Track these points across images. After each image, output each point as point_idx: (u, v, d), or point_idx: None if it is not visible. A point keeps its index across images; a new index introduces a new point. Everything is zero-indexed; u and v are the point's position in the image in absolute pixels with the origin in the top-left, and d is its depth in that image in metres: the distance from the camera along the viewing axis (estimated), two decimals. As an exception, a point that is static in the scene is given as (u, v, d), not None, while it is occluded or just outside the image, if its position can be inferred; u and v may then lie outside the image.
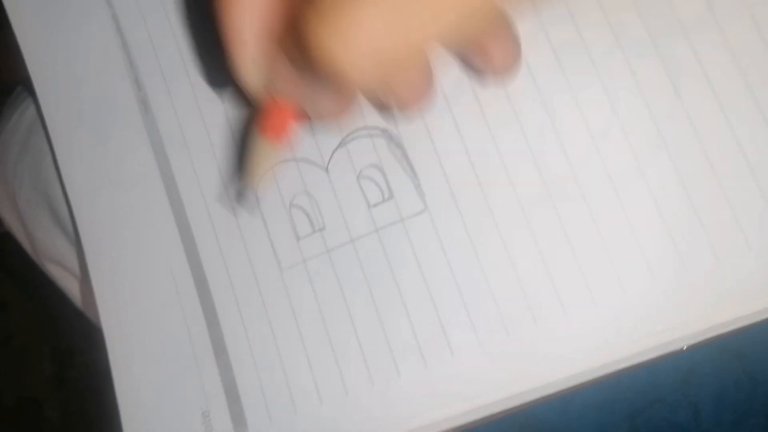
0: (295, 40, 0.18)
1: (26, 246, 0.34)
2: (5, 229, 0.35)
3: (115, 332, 0.25)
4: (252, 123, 0.22)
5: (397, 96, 0.21)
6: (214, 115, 0.25)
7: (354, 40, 0.15)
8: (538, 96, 0.23)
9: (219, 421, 0.23)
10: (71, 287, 0.32)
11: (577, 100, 0.22)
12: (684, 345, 0.22)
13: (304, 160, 0.24)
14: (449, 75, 0.23)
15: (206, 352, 0.24)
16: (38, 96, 0.26)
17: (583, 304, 0.22)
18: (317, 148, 0.24)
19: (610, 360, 0.22)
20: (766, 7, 0.22)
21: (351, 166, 0.24)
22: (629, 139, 0.22)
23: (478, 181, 0.23)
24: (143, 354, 0.24)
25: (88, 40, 0.26)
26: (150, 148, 0.25)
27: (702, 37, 0.22)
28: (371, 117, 0.24)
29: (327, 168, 0.24)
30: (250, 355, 0.24)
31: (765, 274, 0.21)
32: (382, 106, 0.23)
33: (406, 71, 0.20)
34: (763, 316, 0.22)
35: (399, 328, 0.23)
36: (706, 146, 0.22)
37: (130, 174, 0.25)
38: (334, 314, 0.23)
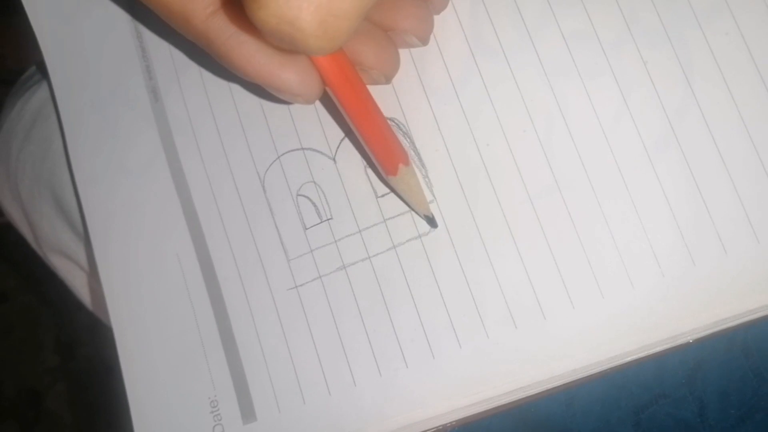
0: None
1: (28, 237, 0.34)
2: (7, 220, 0.35)
3: (123, 320, 0.24)
4: (380, 174, 0.23)
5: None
6: (222, 104, 0.25)
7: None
8: (547, 85, 0.23)
9: (227, 410, 0.23)
10: (74, 278, 0.32)
11: (587, 90, 0.22)
12: (691, 338, 0.22)
13: (311, 149, 0.24)
14: (457, 63, 0.23)
15: (214, 341, 0.24)
16: (52, 82, 0.26)
17: (591, 297, 0.22)
18: (324, 137, 0.24)
19: (617, 353, 0.22)
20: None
21: (359, 156, 0.24)
22: (639, 130, 0.22)
23: (487, 172, 0.23)
24: (151, 343, 0.24)
25: (103, 28, 0.26)
26: (158, 136, 0.25)
27: (715, 25, 0.22)
28: (380, 107, 0.24)
29: (334, 157, 0.24)
30: (259, 345, 0.24)
31: (775, 267, 0.21)
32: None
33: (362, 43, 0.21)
34: (772, 311, 0.22)
35: (407, 318, 0.23)
36: (716, 138, 0.22)
37: (138, 162, 0.25)
38: (341, 305, 0.23)
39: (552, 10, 0.23)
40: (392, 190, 0.23)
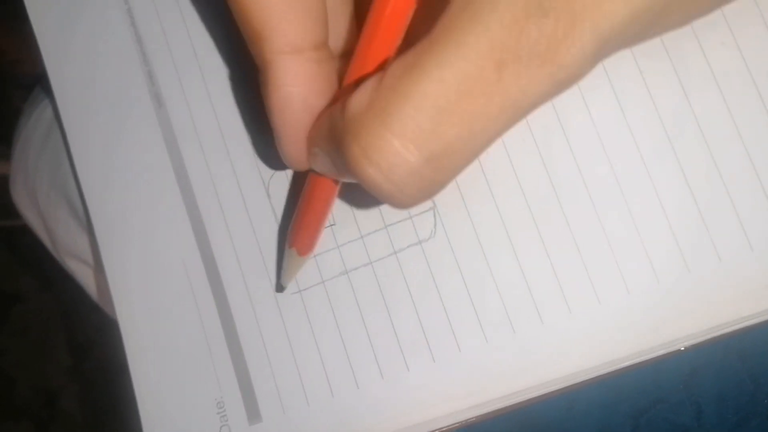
0: (334, 146, 0.17)
1: (46, 242, 0.35)
2: (23, 222, 0.36)
3: (130, 324, 0.25)
4: (285, 236, 0.24)
5: None
6: (226, 109, 0.25)
7: (392, 170, 0.14)
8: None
9: (233, 411, 0.24)
10: (90, 282, 0.33)
11: (586, 101, 0.23)
12: (684, 345, 0.22)
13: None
14: None
15: (220, 343, 0.24)
16: (54, 91, 0.26)
17: (588, 303, 0.22)
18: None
19: (613, 358, 0.22)
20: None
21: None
22: (636, 140, 0.23)
23: (486, 180, 0.23)
24: (158, 345, 0.25)
25: (104, 35, 0.26)
26: (163, 142, 0.25)
27: (711, 36, 0.22)
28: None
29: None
30: (263, 348, 0.24)
31: (767, 275, 0.22)
32: None
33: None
34: (766, 317, 0.22)
35: (408, 323, 0.23)
36: (711, 146, 0.22)
37: (143, 168, 0.25)
38: (344, 309, 0.24)
39: None
40: (281, 248, 0.24)
